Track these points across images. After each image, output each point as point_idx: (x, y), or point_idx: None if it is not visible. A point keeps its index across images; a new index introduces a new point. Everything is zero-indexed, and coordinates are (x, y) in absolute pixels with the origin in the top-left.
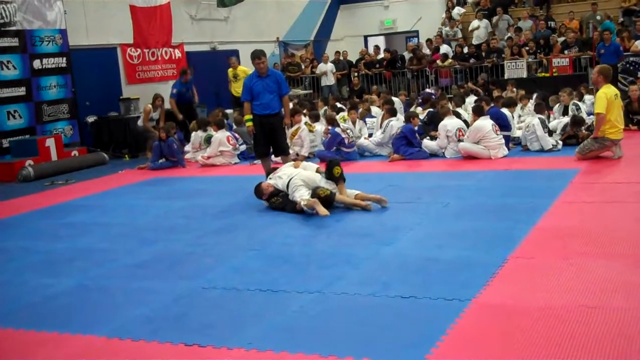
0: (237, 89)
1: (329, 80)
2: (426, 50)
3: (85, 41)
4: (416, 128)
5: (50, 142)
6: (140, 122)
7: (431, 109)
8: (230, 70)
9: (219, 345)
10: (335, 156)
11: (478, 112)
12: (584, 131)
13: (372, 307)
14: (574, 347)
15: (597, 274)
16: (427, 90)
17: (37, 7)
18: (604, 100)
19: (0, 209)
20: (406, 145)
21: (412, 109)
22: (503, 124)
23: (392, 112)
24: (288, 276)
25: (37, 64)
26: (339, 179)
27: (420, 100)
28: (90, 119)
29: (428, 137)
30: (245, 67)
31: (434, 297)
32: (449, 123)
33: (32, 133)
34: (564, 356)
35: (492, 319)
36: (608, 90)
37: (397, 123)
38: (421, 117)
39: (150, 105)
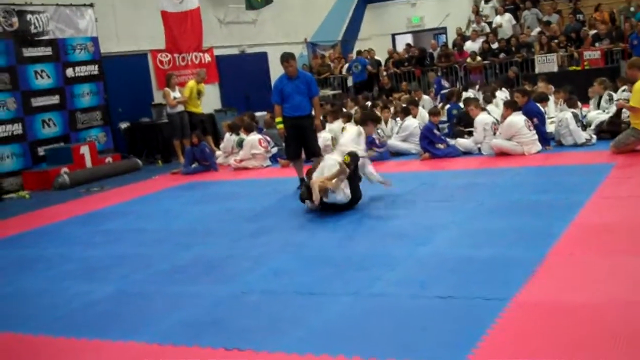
0: (196, 107)
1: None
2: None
3: (116, 48)
4: (438, 122)
5: (84, 150)
6: (169, 109)
7: (449, 105)
8: (192, 83)
9: (259, 350)
10: None
11: (511, 106)
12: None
13: (410, 308)
14: (617, 344)
15: (637, 269)
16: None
17: (68, 16)
18: None
19: (38, 217)
20: (430, 143)
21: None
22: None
23: (405, 112)
24: (326, 278)
25: (70, 72)
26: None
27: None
28: (123, 125)
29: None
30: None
31: (472, 296)
32: (486, 117)
33: (67, 141)
34: (608, 354)
35: (533, 318)
36: None
37: (413, 121)
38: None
39: (168, 89)
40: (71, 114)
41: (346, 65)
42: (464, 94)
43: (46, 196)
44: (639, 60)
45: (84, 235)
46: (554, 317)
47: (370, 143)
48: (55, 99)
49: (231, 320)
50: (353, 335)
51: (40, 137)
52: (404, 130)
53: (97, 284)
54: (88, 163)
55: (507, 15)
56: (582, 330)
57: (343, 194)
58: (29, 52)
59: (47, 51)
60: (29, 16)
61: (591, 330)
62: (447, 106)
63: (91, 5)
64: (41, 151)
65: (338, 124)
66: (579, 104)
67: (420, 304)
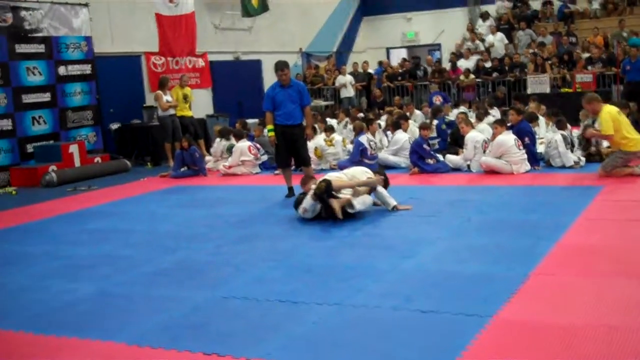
0: (182, 111)
1: (349, 92)
2: (447, 65)
3: (110, 48)
4: (428, 137)
5: (73, 148)
6: (160, 112)
7: (436, 120)
8: (176, 88)
9: (238, 355)
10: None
11: (502, 124)
12: (606, 148)
13: (392, 320)
14: None
15: (619, 293)
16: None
17: (63, 14)
18: (609, 121)
19: (24, 214)
20: (419, 158)
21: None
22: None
23: (395, 126)
24: (308, 287)
25: (62, 70)
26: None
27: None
28: (114, 126)
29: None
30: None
31: (454, 312)
32: (477, 135)
33: (56, 139)
34: None
35: (512, 336)
36: (610, 109)
37: (403, 135)
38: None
39: (160, 91)
40: (62, 112)
41: (346, 77)
42: (455, 111)
43: (33, 193)
44: (593, 94)
45: (70, 233)
46: (533, 336)
47: (361, 153)
48: (46, 97)
49: (211, 325)
50: (333, 345)
51: (29, 134)
52: (394, 143)
53: (80, 283)
54: (76, 162)
55: (499, 35)
56: (560, 351)
57: (363, 202)
58: (22, 48)
59: (40, 48)
60: (23, 12)
61: (570, 352)
62: (435, 121)
63: (86, 4)
64: (30, 148)
65: (319, 138)
66: (569, 126)
67: (402, 317)
